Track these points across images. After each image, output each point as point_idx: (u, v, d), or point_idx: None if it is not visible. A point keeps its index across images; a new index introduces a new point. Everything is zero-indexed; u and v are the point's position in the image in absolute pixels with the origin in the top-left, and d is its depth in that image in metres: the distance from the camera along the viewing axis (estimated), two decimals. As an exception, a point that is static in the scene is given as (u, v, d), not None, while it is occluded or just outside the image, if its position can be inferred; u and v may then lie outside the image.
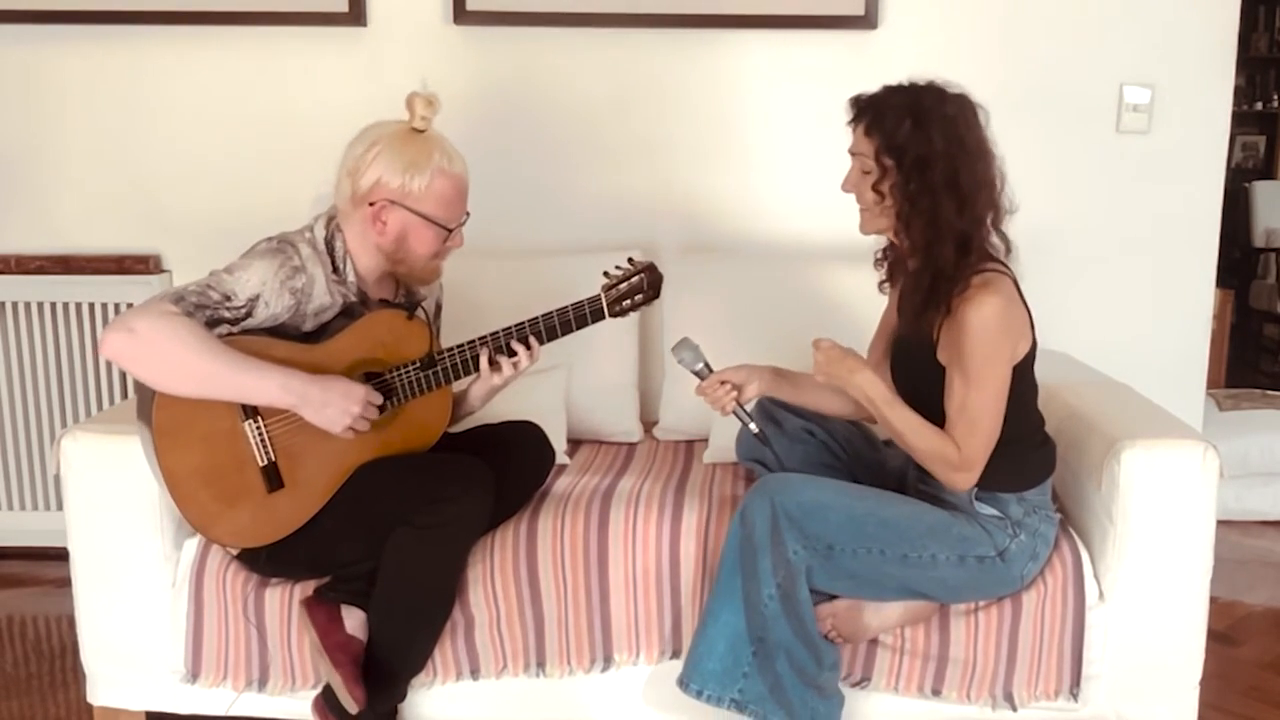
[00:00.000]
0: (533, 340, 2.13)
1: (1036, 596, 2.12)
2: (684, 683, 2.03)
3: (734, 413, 2.14)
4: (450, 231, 2.12)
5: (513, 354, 2.13)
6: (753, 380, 2.18)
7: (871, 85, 2.94)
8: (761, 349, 2.71)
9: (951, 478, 2.01)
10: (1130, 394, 2.47)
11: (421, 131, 2.07)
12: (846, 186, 2.06)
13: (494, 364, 2.13)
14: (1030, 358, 2.05)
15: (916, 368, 2.07)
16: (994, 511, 2.06)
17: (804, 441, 2.26)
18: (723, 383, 2.15)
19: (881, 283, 2.23)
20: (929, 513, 2.05)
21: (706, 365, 2.18)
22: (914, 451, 2.04)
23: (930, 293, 1.97)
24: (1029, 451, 2.11)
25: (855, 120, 2.03)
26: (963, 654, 2.12)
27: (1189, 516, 2.11)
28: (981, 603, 2.13)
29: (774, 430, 2.25)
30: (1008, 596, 2.12)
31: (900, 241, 2.06)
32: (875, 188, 1.99)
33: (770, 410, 2.28)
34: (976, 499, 2.06)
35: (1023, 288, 2.04)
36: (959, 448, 1.97)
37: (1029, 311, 2.03)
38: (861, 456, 2.29)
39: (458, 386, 2.20)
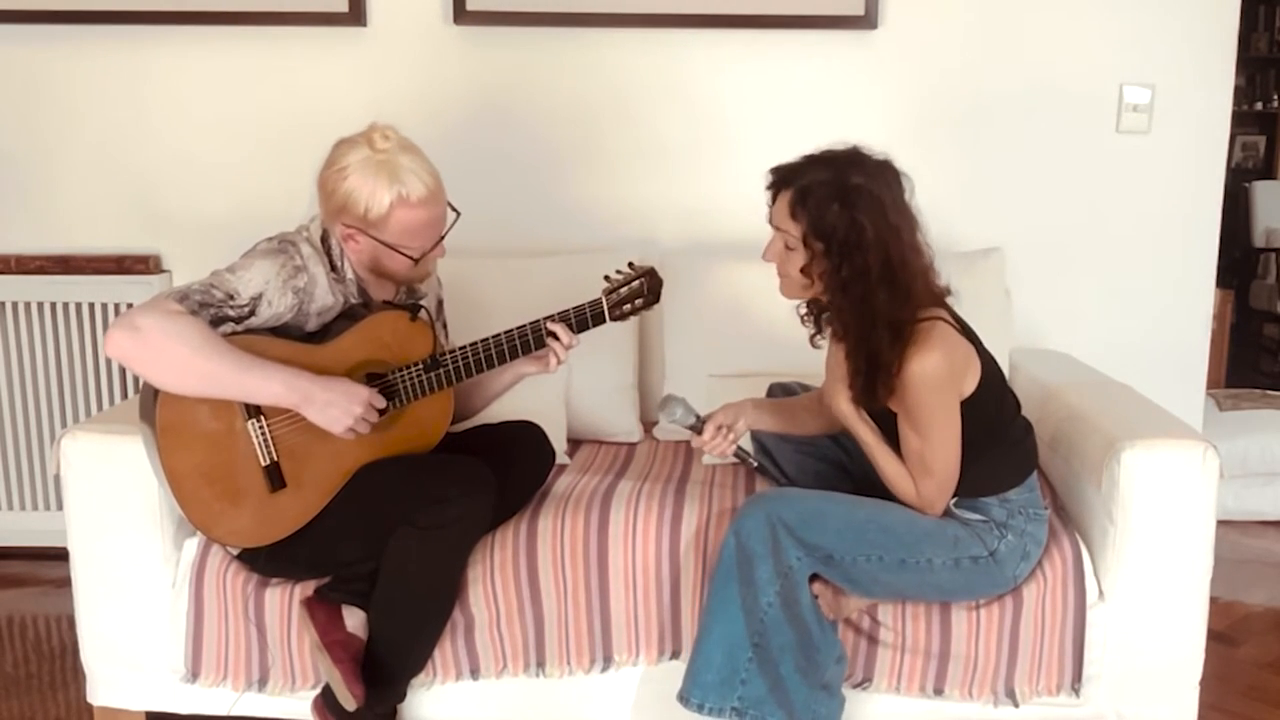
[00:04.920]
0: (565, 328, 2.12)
1: (1037, 591, 2.12)
2: (684, 698, 2.02)
3: (735, 454, 2.16)
4: (418, 259, 2.09)
5: (543, 347, 2.12)
6: (739, 417, 2.17)
7: (871, 85, 2.99)
8: (760, 348, 2.72)
9: (916, 509, 2.04)
10: (1130, 394, 2.47)
11: (386, 159, 2.03)
12: (768, 257, 2.00)
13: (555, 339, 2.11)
14: (986, 380, 2.02)
15: (872, 416, 2.07)
16: (977, 516, 2.07)
17: (806, 454, 2.28)
18: (719, 427, 2.14)
19: (813, 336, 2.15)
20: (924, 518, 2.06)
21: (699, 417, 2.16)
22: (882, 475, 2.06)
23: (870, 377, 1.96)
24: (1002, 457, 2.09)
25: (776, 191, 1.96)
26: (964, 650, 2.12)
27: (1189, 516, 2.11)
28: (982, 600, 2.13)
29: (778, 455, 2.27)
30: (1008, 594, 2.12)
31: (827, 307, 2.02)
32: (803, 270, 1.95)
33: (764, 440, 2.29)
34: (956, 506, 2.07)
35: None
36: (917, 489, 2.02)
37: (973, 340, 2.02)
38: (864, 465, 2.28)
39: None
